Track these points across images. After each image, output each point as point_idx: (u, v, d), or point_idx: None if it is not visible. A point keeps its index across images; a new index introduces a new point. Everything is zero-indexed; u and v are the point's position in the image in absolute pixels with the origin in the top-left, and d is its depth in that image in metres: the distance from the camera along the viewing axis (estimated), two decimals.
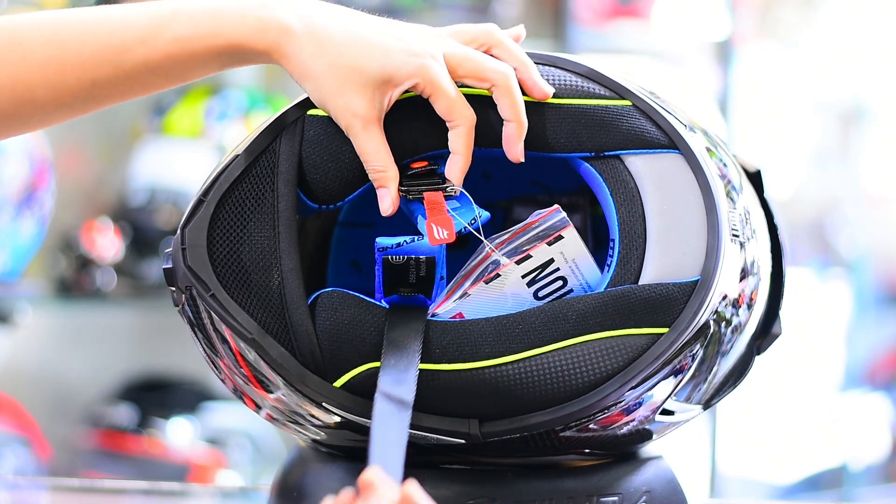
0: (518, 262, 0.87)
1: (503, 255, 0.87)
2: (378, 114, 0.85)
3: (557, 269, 0.88)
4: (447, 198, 0.87)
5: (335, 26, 0.84)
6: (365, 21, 0.85)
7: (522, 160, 0.87)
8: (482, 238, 0.87)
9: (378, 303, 0.86)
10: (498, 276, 0.87)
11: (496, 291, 0.88)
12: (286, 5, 0.84)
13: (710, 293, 0.86)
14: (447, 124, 0.86)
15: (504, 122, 0.87)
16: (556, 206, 0.88)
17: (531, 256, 0.87)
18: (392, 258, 0.89)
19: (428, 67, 0.84)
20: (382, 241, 0.89)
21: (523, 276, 0.87)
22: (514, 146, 0.87)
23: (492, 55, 0.88)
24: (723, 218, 0.87)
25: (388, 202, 0.86)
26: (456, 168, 0.86)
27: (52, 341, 2.48)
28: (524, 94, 0.88)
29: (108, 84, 0.84)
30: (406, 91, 0.86)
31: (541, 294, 0.88)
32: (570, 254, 0.88)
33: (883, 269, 3.28)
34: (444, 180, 0.87)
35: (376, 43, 0.84)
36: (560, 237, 0.88)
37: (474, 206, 0.87)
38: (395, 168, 0.86)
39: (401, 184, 0.86)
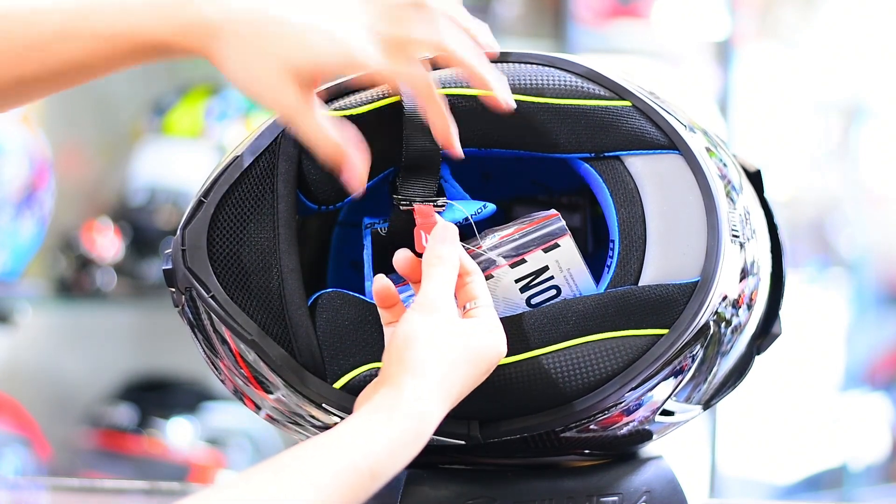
0: (512, 266, 0.87)
1: (498, 255, 0.87)
2: (311, 97, 0.82)
3: (552, 278, 0.88)
4: (438, 210, 0.87)
5: (259, 17, 0.80)
6: (288, 6, 0.81)
7: (513, 106, 0.85)
8: (477, 237, 0.87)
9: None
10: (491, 276, 0.87)
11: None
12: None
13: (710, 294, 0.86)
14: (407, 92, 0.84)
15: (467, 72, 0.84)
16: (555, 212, 0.88)
17: (526, 261, 0.87)
18: (381, 230, 0.89)
19: (352, 49, 0.80)
20: (370, 219, 0.89)
21: (517, 281, 0.87)
22: (497, 97, 0.85)
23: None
24: (723, 218, 0.87)
25: (356, 180, 0.83)
26: (435, 132, 0.84)
27: (52, 341, 2.47)
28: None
29: (34, 80, 0.81)
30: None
31: (533, 301, 0.88)
32: (566, 263, 0.88)
33: (883, 269, 3.28)
34: (440, 189, 0.87)
35: (300, 34, 0.80)
36: (556, 245, 0.88)
37: (458, 209, 0.87)
38: (352, 134, 0.83)
39: (395, 185, 0.87)
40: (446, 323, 0.80)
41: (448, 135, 0.84)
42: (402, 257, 0.84)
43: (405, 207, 0.86)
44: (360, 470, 0.72)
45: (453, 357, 0.79)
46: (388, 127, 0.86)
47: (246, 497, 0.69)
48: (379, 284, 0.83)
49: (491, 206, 0.88)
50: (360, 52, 0.81)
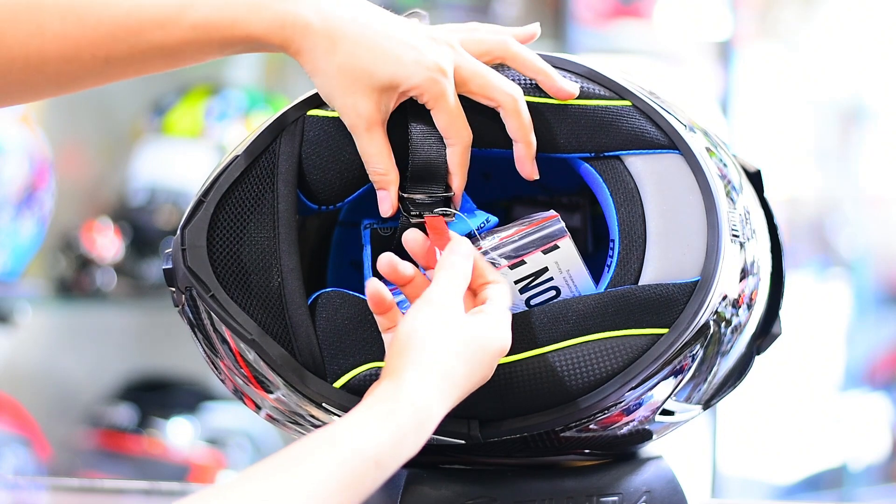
0: (512, 267, 0.87)
1: (498, 255, 0.87)
2: (382, 116, 0.85)
3: (551, 279, 0.88)
4: (448, 222, 0.87)
5: (352, 26, 0.83)
6: (383, 23, 0.84)
7: (536, 177, 0.88)
8: (480, 241, 0.87)
9: None
10: None
11: None
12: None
13: (710, 293, 0.86)
14: (445, 141, 0.86)
15: (513, 142, 0.87)
16: (555, 213, 0.88)
17: (525, 263, 0.87)
18: (380, 229, 0.89)
19: (436, 82, 0.84)
20: (369, 219, 0.89)
21: (516, 282, 0.87)
22: (524, 165, 0.88)
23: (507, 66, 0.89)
24: (723, 218, 0.87)
25: (387, 204, 0.86)
26: (452, 185, 0.87)
27: (52, 341, 2.47)
28: (550, 97, 0.88)
29: (122, 62, 0.83)
30: None
31: (533, 302, 0.88)
32: (565, 265, 0.88)
33: (883, 269, 3.28)
34: (447, 189, 0.87)
35: (389, 49, 0.83)
36: (556, 247, 0.88)
37: (468, 222, 0.87)
38: (396, 171, 0.86)
39: (403, 190, 0.87)
40: (449, 317, 0.80)
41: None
42: (386, 261, 0.84)
43: (416, 220, 0.86)
44: (364, 460, 0.72)
45: (456, 350, 0.79)
46: (392, 130, 0.86)
47: (250, 494, 0.68)
48: (371, 288, 0.83)
49: (494, 219, 0.88)
50: (441, 87, 0.84)
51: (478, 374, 0.80)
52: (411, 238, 0.85)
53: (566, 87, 0.88)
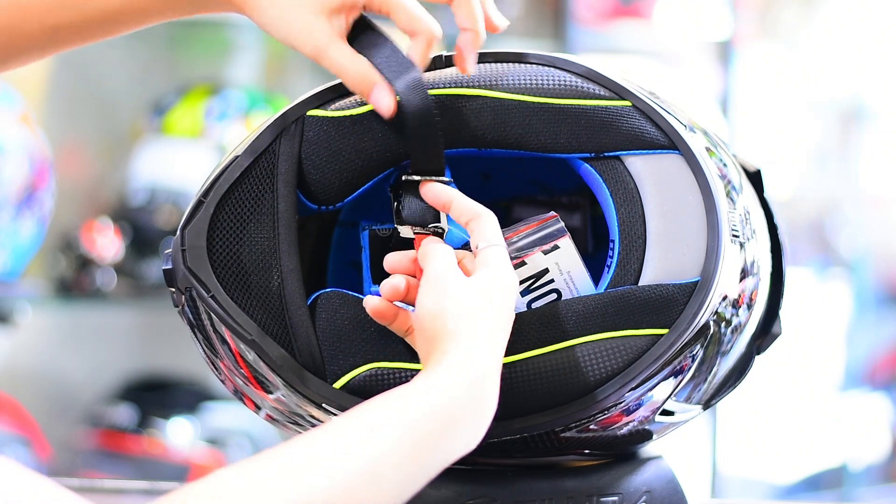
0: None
1: None
2: (340, 31, 0.85)
3: (552, 281, 0.88)
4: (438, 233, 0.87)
5: None
6: None
7: (472, 72, 0.87)
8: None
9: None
10: None
11: None
12: None
13: (710, 294, 0.86)
14: (409, 37, 0.86)
15: (460, 31, 0.86)
16: (555, 214, 0.88)
17: (526, 264, 0.87)
18: (379, 231, 0.89)
19: None
20: (367, 221, 0.89)
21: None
22: (465, 56, 0.87)
23: None
24: (723, 218, 0.87)
25: (386, 102, 0.85)
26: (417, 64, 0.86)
27: (52, 341, 2.47)
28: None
29: (69, 29, 0.84)
30: None
31: (534, 306, 0.88)
32: (566, 265, 0.88)
33: (883, 269, 3.28)
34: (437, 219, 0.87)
35: None
36: (556, 246, 0.88)
37: (458, 233, 0.87)
38: (375, 70, 0.85)
39: (398, 193, 0.86)
40: (457, 286, 0.80)
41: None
42: (394, 259, 0.84)
43: (405, 235, 0.86)
44: (434, 416, 0.72)
45: (474, 308, 0.79)
46: (389, 128, 0.86)
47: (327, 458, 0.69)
48: (371, 307, 0.83)
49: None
50: None
51: (503, 321, 0.80)
52: (395, 261, 0.85)
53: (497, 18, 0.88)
